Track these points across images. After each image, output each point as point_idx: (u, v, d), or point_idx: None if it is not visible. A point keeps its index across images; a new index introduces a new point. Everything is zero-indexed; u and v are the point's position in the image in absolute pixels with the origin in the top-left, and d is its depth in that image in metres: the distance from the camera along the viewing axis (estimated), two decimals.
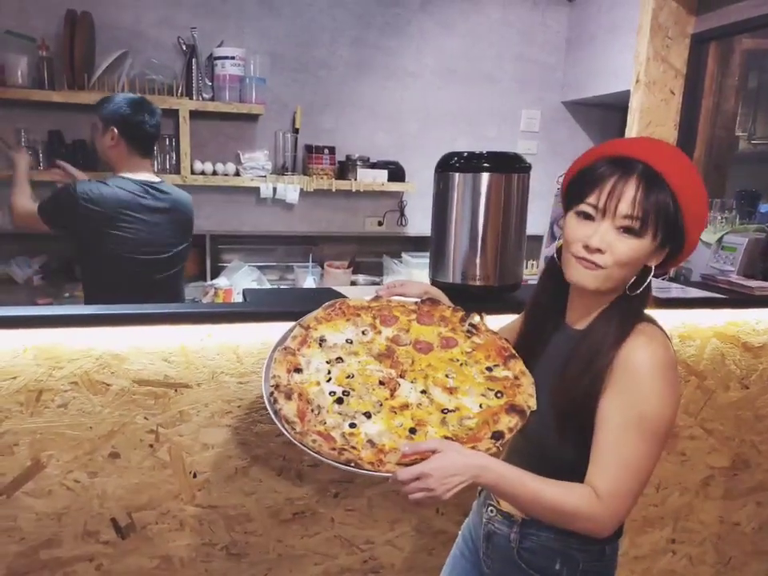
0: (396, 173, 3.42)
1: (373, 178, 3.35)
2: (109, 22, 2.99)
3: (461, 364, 1.17)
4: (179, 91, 2.95)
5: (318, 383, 1.10)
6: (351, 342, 1.21)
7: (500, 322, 1.38)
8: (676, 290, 1.89)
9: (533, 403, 1.06)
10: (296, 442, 0.99)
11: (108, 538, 1.57)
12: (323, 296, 1.88)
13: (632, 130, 3.02)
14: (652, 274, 1.04)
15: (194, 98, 2.97)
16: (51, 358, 1.43)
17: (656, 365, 0.97)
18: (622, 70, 3.15)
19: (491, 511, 1.20)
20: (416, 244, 3.62)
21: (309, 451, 0.98)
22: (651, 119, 2.97)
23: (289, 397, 1.05)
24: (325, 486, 1.69)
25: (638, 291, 1.04)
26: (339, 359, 1.16)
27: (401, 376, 1.14)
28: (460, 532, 1.39)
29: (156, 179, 2.26)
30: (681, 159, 1.02)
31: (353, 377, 1.12)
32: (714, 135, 3.04)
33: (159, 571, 1.62)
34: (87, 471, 1.51)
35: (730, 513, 2.09)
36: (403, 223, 3.68)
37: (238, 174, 3.17)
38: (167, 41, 3.08)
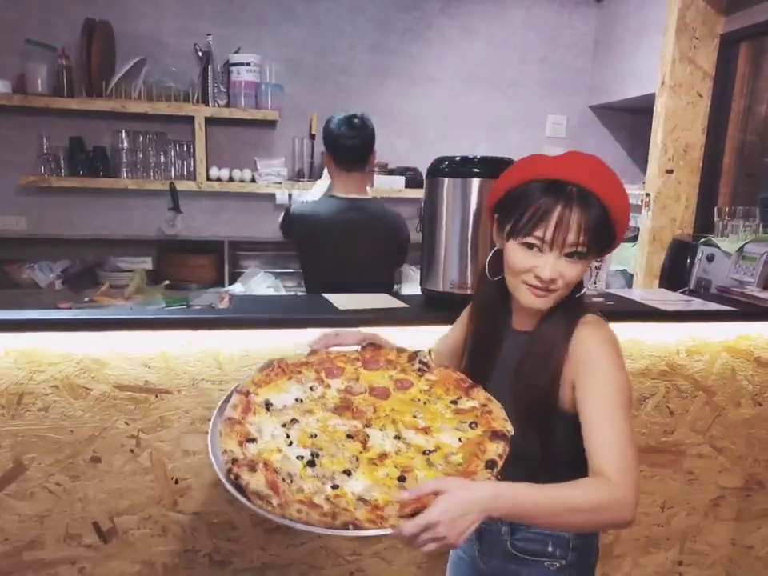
0: (414, 179, 3.38)
1: (390, 185, 3.32)
2: (128, 31, 3.06)
3: (424, 402, 1.12)
4: (195, 98, 2.99)
5: (280, 449, 1.00)
6: (301, 401, 1.12)
7: None
8: (681, 303, 1.79)
9: (510, 427, 1.02)
10: (277, 519, 0.86)
11: (90, 541, 1.58)
12: (310, 304, 1.87)
13: (657, 135, 2.90)
14: (587, 275, 1.11)
15: (210, 104, 3.00)
16: (32, 362, 1.45)
17: (606, 347, 1.04)
18: (650, 73, 3.03)
19: None
20: None
21: (296, 525, 0.85)
22: (677, 123, 2.85)
23: (253, 469, 0.92)
24: None
25: (579, 293, 1.10)
26: (294, 420, 1.06)
27: (367, 426, 1.07)
28: None
29: None
30: (607, 174, 1.04)
31: (316, 436, 1.04)
32: (745, 141, 2.88)
33: None
34: (69, 475, 1.52)
35: (743, 535, 1.97)
36: (422, 230, 3.62)
37: (254, 180, 3.19)
38: (186, 48, 3.13)
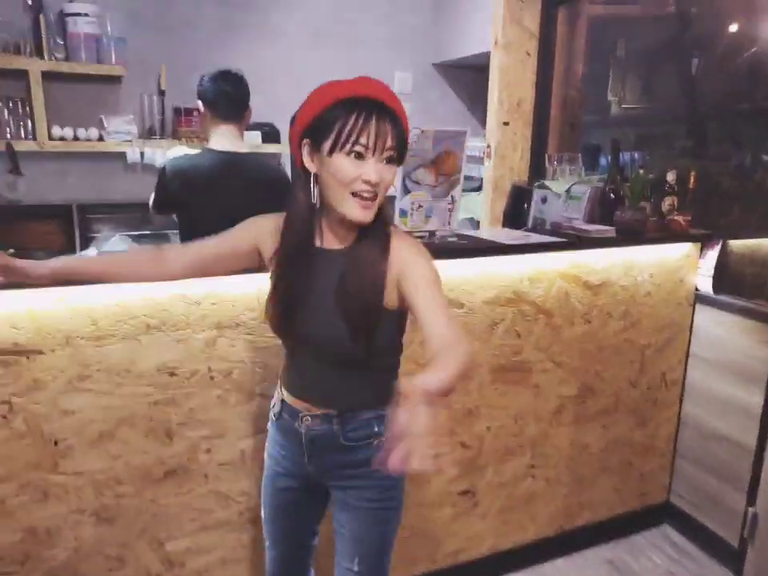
0: (270, 134, 3.40)
1: (247, 140, 3.30)
2: None
3: None
4: (28, 51, 2.75)
5: None
6: None
7: None
8: (522, 238, 2.04)
9: None
10: None
11: None
12: None
13: (494, 90, 3.17)
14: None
15: (46, 58, 2.78)
16: None
17: (415, 246, 1.27)
18: (486, 33, 3.27)
19: (307, 420, 1.34)
20: None
21: None
22: (510, 79, 3.13)
23: None
24: (196, 443, 1.71)
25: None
26: None
27: None
28: (267, 456, 1.50)
29: None
30: (394, 94, 1.21)
31: None
32: (567, 95, 3.26)
33: (24, 545, 1.59)
34: None
35: (580, 436, 2.32)
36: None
37: (101, 139, 3.02)
38: None
